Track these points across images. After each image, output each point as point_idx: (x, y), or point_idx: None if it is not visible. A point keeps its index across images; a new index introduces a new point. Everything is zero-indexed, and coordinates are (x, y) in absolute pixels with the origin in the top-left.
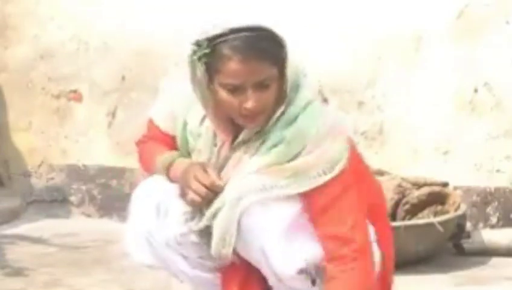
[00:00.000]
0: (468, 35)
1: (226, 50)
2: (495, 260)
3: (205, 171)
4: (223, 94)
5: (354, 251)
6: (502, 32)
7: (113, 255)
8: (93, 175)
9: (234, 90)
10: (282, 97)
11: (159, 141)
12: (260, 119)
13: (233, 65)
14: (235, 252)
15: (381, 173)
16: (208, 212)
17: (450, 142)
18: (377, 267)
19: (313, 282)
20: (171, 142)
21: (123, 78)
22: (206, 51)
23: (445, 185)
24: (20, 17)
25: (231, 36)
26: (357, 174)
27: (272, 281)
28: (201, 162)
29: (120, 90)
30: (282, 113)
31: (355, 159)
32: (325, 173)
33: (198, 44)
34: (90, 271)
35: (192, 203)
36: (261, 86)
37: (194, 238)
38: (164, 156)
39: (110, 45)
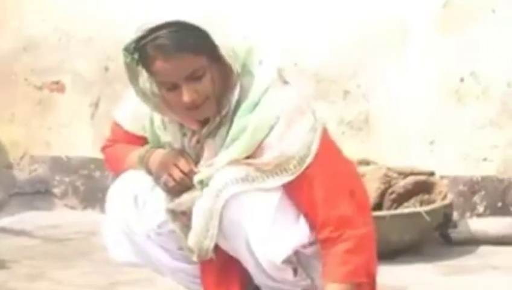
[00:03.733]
0: (454, 24)
1: (150, 51)
2: (482, 249)
3: (186, 159)
4: (164, 93)
5: (357, 235)
6: (488, 21)
7: (97, 247)
8: (76, 167)
9: (171, 87)
10: (230, 81)
11: (126, 143)
12: (207, 108)
13: (159, 64)
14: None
15: (367, 162)
16: (186, 196)
17: (436, 131)
18: None
19: (295, 271)
20: (139, 143)
21: (106, 69)
22: (135, 56)
23: (432, 174)
24: (2, 9)
25: (151, 36)
26: (334, 154)
27: (253, 272)
28: (181, 150)
29: (103, 81)
30: (243, 99)
31: (329, 138)
32: (303, 160)
33: (126, 50)
34: (73, 263)
35: (165, 186)
36: (193, 78)
37: (172, 226)
38: (140, 150)
39: (93, 36)
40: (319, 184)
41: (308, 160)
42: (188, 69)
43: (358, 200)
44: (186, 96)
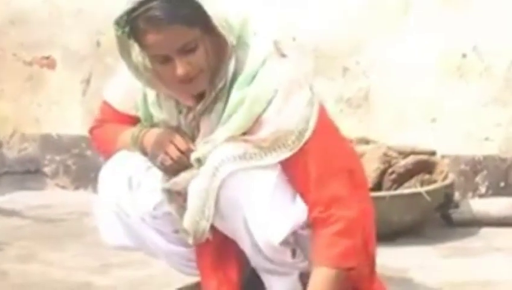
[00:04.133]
0: None
1: (141, 23)
2: (485, 231)
3: (182, 136)
4: (157, 67)
5: (347, 217)
6: None
7: (89, 228)
8: (68, 145)
9: (164, 60)
10: (225, 54)
11: (116, 123)
12: (201, 81)
13: (151, 37)
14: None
15: (366, 141)
16: (183, 175)
17: (437, 109)
18: None
19: (293, 252)
20: (130, 123)
21: (98, 43)
22: (126, 29)
23: (433, 153)
24: None
25: (143, 8)
26: (332, 129)
27: (250, 253)
28: (177, 128)
29: (95, 56)
30: (239, 71)
31: (325, 114)
32: (301, 134)
33: (117, 23)
34: (65, 245)
35: (162, 165)
36: (185, 50)
37: (168, 208)
38: (132, 129)
39: (84, 8)
40: (313, 161)
41: (307, 134)
42: (180, 41)
43: (355, 180)
44: (180, 69)
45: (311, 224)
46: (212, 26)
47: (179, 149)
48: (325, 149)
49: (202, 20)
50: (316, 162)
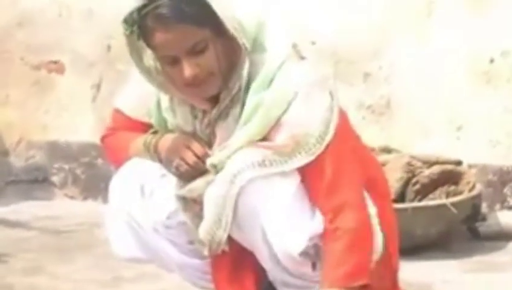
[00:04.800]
0: (483, 2)
1: (150, 21)
2: None
3: (199, 141)
4: (166, 69)
5: (351, 230)
6: None
7: (99, 240)
8: (77, 153)
9: (172, 62)
10: (239, 57)
11: (128, 131)
12: (211, 85)
13: (159, 36)
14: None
15: (388, 150)
16: (199, 181)
17: (463, 116)
18: (379, 248)
19: (313, 265)
20: (142, 130)
21: (109, 47)
22: (134, 28)
23: (459, 163)
24: None
25: (151, 5)
26: (352, 137)
27: (268, 265)
28: (192, 133)
29: (105, 61)
30: (255, 75)
31: (346, 121)
32: (322, 137)
33: (126, 22)
34: (73, 257)
35: (177, 170)
36: (194, 51)
37: (182, 217)
38: (145, 136)
39: (95, 11)
40: (328, 167)
41: (328, 138)
42: (189, 41)
43: (377, 190)
44: (187, 71)
45: (322, 238)
46: (224, 28)
47: (195, 154)
48: (342, 156)
49: (213, 21)
50: (330, 168)
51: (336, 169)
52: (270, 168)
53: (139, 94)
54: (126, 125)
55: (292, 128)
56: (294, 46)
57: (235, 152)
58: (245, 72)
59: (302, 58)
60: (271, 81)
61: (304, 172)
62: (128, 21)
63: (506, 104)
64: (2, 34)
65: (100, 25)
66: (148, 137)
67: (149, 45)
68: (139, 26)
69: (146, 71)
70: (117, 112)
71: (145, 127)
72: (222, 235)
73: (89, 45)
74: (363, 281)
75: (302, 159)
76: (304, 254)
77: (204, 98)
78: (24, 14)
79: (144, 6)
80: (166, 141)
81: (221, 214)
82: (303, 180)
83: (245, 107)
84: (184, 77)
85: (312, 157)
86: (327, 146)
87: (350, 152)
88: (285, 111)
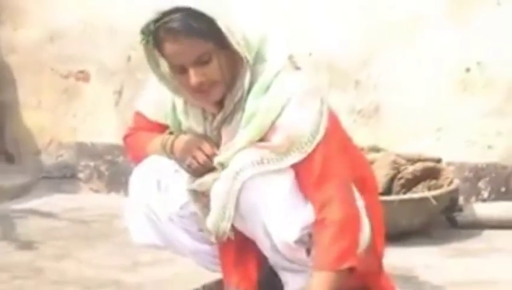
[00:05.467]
0: (461, 17)
1: (161, 33)
2: (487, 233)
3: (208, 142)
4: (176, 76)
5: (337, 220)
6: (494, 14)
7: (120, 229)
8: (101, 152)
9: (181, 70)
10: (241, 68)
11: (148, 131)
12: (215, 92)
13: (169, 47)
14: (232, 225)
15: (377, 149)
16: (208, 177)
17: (443, 119)
18: (367, 237)
19: (308, 251)
20: (160, 131)
21: (129, 58)
22: (149, 38)
23: (439, 161)
24: (28, 1)
25: (164, 19)
26: (341, 138)
27: (269, 254)
28: (204, 135)
29: (126, 70)
30: (254, 83)
31: (336, 123)
32: (313, 137)
33: (143, 32)
34: (97, 244)
35: (189, 168)
36: (200, 61)
37: (193, 208)
38: (162, 136)
39: (116, 27)
40: (318, 163)
41: (318, 138)
42: (195, 53)
43: (366, 186)
44: (193, 79)
45: (319, 223)
46: (228, 42)
47: (205, 154)
48: (330, 153)
49: (217, 36)
50: (319, 164)
51: (324, 165)
52: (267, 165)
53: (158, 99)
54: (146, 126)
55: (287, 130)
56: (290, 57)
57: (237, 152)
58: (246, 81)
59: (297, 68)
60: (267, 88)
61: (297, 168)
62: (145, 32)
63: (480, 109)
64: (35, 47)
65: (121, 38)
66: (165, 137)
67: (161, 54)
68: (154, 36)
69: (162, 77)
70: (138, 114)
71: (162, 128)
72: (226, 226)
73: (112, 56)
74: (350, 264)
75: (295, 157)
76: (299, 241)
77: (211, 103)
78: (54, 30)
79: (158, 19)
80: (181, 141)
81: (225, 207)
82: (296, 176)
83: (245, 112)
84: (191, 84)
85: (304, 155)
86: (317, 145)
87: (338, 150)
88: (279, 115)
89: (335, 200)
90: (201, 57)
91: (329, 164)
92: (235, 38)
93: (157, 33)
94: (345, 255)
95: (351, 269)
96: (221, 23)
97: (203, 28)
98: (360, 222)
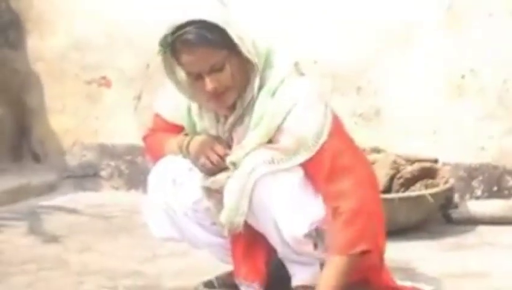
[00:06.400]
0: (455, 28)
1: (178, 44)
2: (479, 228)
3: (221, 144)
4: (192, 83)
5: (350, 208)
6: (486, 24)
7: (138, 223)
8: (121, 152)
9: (197, 77)
10: (250, 73)
11: (165, 132)
12: (228, 97)
13: (185, 56)
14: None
15: (377, 150)
16: (221, 175)
17: (439, 123)
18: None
19: (315, 245)
20: (176, 132)
21: (147, 65)
22: (167, 49)
23: (435, 161)
24: (54, 13)
25: (179, 32)
26: (346, 138)
27: (279, 247)
28: (217, 136)
29: (145, 77)
30: (262, 87)
31: (340, 125)
32: (318, 137)
33: (161, 44)
34: (117, 238)
35: (203, 167)
36: (214, 69)
37: (206, 203)
38: (178, 137)
39: (135, 36)
40: (326, 161)
41: (322, 138)
42: (209, 61)
43: (369, 183)
44: (209, 85)
45: (334, 216)
46: (239, 50)
47: (217, 154)
48: (338, 150)
49: (229, 45)
50: (328, 162)
51: (333, 160)
52: (278, 165)
53: (174, 102)
54: (164, 127)
55: (294, 132)
56: (296, 64)
57: (249, 152)
58: (256, 86)
59: (302, 74)
60: (274, 93)
61: (306, 167)
62: (163, 44)
63: (474, 113)
64: (61, 55)
65: (140, 48)
66: (180, 138)
67: (178, 63)
68: (171, 48)
69: (178, 84)
70: (157, 116)
71: (178, 129)
72: (239, 221)
73: (131, 64)
74: (362, 248)
75: (303, 156)
76: (308, 235)
77: (224, 107)
78: (78, 40)
79: (174, 32)
80: (195, 142)
81: (239, 203)
82: (306, 174)
83: (253, 114)
84: (206, 90)
85: (311, 154)
86: (323, 145)
87: (346, 147)
88: (285, 119)
89: (347, 191)
90: (215, 65)
91: (338, 159)
92: (246, 46)
93: (174, 45)
94: (356, 240)
95: (363, 254)
96: (232, 33)
97: (215, 39)
98: (374, 210)
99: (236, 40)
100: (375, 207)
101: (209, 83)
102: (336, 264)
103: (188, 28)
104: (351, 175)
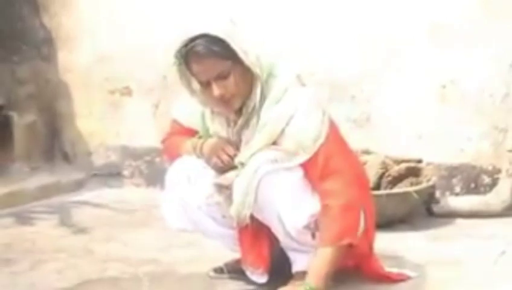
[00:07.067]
0: (438, 43)
1: (189, 56)
2: (459, 221)
3: (231, 145)
4: (203, 90)
5: (338, 205)
6: (466, 42)
7: (157, 217)
8: (142, 154)
9: (207, 85)
10: (254, 80)
11: (182, 135)
12: (234, 102)
13: (195, 66)
14: (250, 213)
15: (368, 152)
16: (231, 173)
17: (424, 127)
18: (361, 224)
19: (313, 235)
20: (192, 135)
21: (164, 77)
22: (181, 61)
23: (420, 161)
24: (80, 30)
25: (190, 45)
26: (340, 142)
27: (281, 238)
28: (227, 139)
29: (162, 86)
30: (267, 96)
31: (336, 130)
32: (316, 140)
33: (175, 56)
34: (138, 230)
35: (215, 166)
36: (220, 77)
37: (218, 198)
38: (193, 139)
39: (154, 50)
40: (321, 161)
41: (319, 142)
42: (216, 70)
43: (360, 181)
44: (216, 91)
45: (325, 210)
46: (242, 61)
47: (228, 155)
48: (331, 153)
49: (232, 56)
50: (322, 161)
51: (326, 162)
52: (280, 164)
53: (190, 109)
54: (180, 131)
55: (295, 136)
56: (298, 76)
57: (255, 153)
58: (258, 93)
59: (303, 85)
60: (278, 101)
61: (305, 166)
62: (177, 56)
63: (455, 119)
64: (87, 68)
65: (158, 60)
66: (194, 141)
67: (190, 73)
68: (184, 59)
69: (193, 92)
70: (174, 121)
71: (193, 133)
72: (246, 213)
73: (150, 75)
74: (348, 241)
75: (302, 157)
76: (307, 226)
77: (232, 111)
78: (102, 54)
79: (185, 45)
80: (208, 144)
81: (246, 198)
82: (305, 173)
83: (260, 120)
84: (214, 95)
85: (309, 156)
86: (320, 147)
87: (339, 151)
88: (287, 124)
89: (336, 190)
90: (221, 74)
91: (330, 161)
92: (249, 59)
93: (186, 56)
94: (344, 233)
95: (350, 246)
96: (236, 46)
97: (221, 50)
98: (359, 208)
99: (239, 52)
100: (363, 204)
101: (216, 89)
102: (324, 254)
103: (197, 41)
104: (340, 176)
